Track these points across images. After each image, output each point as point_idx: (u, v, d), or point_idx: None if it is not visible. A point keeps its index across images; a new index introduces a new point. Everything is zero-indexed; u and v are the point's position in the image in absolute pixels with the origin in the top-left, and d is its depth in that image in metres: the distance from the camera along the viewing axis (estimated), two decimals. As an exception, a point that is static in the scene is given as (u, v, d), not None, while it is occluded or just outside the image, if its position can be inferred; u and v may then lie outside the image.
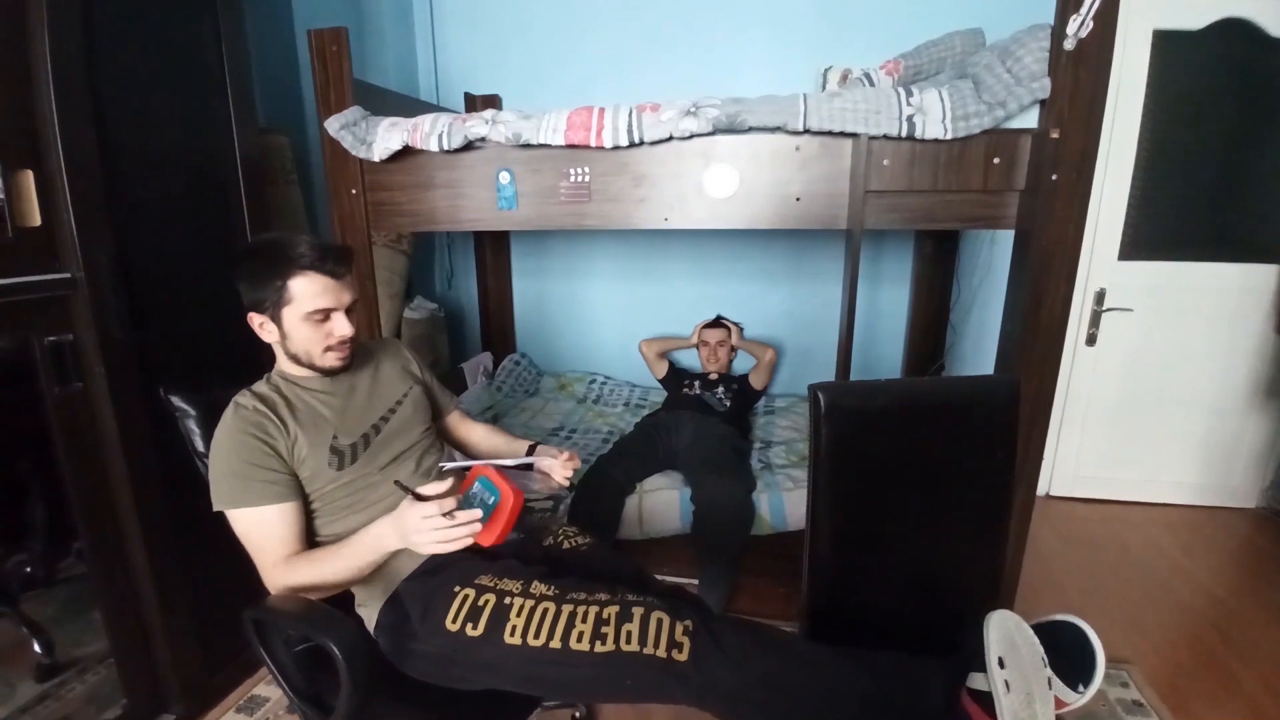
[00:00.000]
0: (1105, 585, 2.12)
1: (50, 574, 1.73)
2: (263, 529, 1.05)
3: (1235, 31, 2.27)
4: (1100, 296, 2.51)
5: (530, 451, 1.35)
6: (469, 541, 0.97)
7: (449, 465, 1.22)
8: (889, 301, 2.76)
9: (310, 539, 1.12)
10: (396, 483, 1.08)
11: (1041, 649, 0.85)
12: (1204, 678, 1.70)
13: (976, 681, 0.88)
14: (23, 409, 1.44)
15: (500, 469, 1.10)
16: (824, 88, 2.34)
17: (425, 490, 1.01)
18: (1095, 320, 2.53)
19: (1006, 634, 0.86)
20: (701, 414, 2.25)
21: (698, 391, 2.41)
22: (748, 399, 2.48)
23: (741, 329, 2.63)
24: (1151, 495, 2.67)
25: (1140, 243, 2.46)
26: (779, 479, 1.95)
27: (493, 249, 2.90)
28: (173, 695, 1.53)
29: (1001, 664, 0.85)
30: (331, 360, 1.13)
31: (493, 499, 1.06)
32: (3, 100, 1.16)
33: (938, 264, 2.52)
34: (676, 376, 2.57)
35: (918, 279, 2.61)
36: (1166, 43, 2.31)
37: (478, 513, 0.98)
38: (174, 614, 1.49)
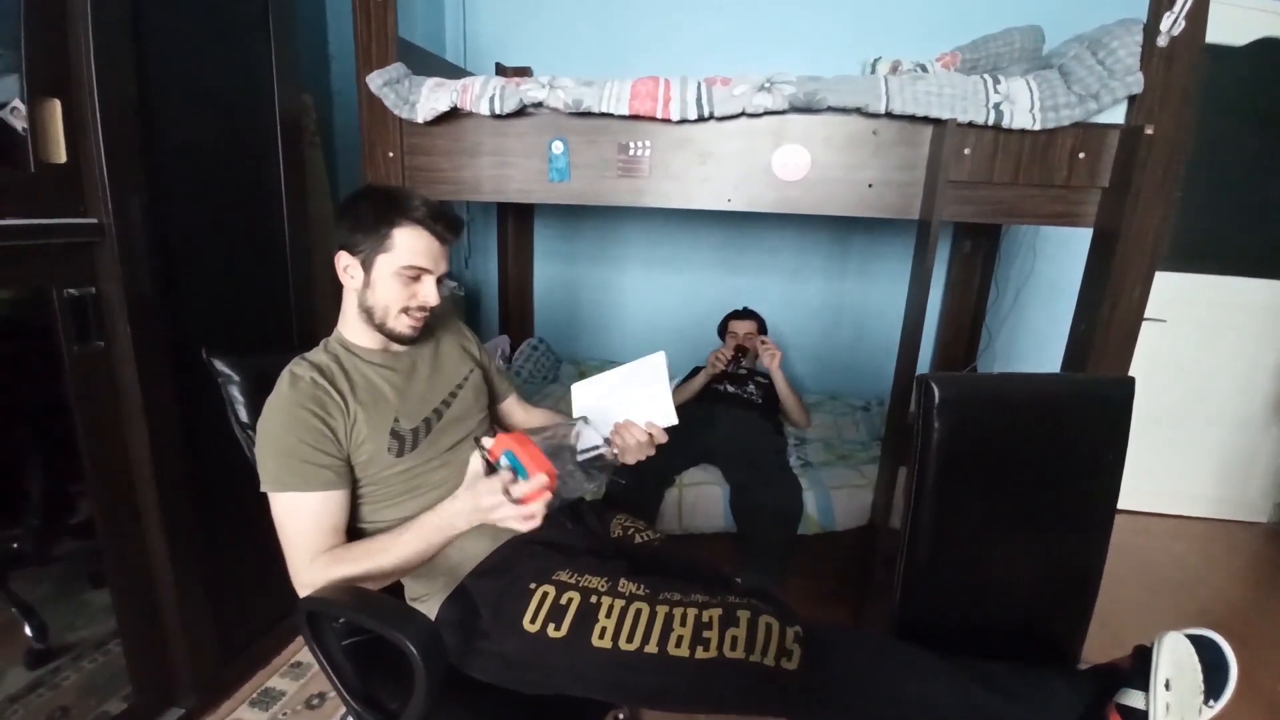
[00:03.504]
0: (1129, 592, 2.12)
1: (43, 552, 1.59)
2: (303, 518, 0.94)
3: (1273, 51, 2.27)
4: (1134, 307, 2.48)
5: None
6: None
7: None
8: (919, 301, 2.70)
9: (353, 525, 1.02)
10: (476, 440, 0.94)
11: (1202, 678, 0.82)
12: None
13: (1129, 698, 0.83)
14: (26, 369, 1.31)
15: (542, 439, 0.94)
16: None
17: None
18: (1127, 330, 2.50)
19: (1178, 659, 0.84)
20: (736, 407, 2.18)
21: (728, 388, 2.33)
22: (776, 397, 2.40)
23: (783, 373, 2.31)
24: (1168, 507, 2.67)
25: (1178, 254, 2.44)
26: (823, 476, 1.88)
27: (516, 228, 2.78)
28: (183, 687, 1.40)
29: (1168, 686, 0.81)
30: (404, 325, 1.04)
31: (519, 479, 0.89)
32: (32, 19, 1.03)
33: (975, 264, 2.47)
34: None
35: (954, 278, 2.56)
36: (1212, 56, 2.28)
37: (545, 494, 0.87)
38: (189, 598, 1.36)
